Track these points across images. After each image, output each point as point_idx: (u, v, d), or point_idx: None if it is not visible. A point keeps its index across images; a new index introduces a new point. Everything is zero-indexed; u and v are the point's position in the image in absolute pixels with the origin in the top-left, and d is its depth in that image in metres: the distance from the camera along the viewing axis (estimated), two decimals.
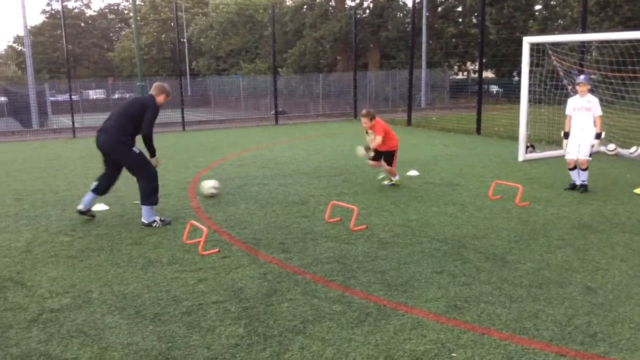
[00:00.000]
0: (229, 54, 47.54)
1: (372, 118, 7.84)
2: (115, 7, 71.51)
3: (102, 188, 6.49)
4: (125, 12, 69.81)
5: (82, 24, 65.11)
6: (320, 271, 4.69)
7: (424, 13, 30.15)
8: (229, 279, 4.57)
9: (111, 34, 69.70)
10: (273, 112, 22.96)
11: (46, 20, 64.18)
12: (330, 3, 38.53)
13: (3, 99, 43.60)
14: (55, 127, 22.49)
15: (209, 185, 7.70)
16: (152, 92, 6.40)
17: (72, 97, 19.68)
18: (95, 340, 3.52)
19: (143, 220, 6.26)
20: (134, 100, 6.60)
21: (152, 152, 6.46)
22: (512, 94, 24.22)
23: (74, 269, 4.87)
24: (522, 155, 10.45)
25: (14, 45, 71.52)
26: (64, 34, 19.07)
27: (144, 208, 6.24)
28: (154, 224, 6.19)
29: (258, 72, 41.41)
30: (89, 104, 37.43)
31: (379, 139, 7.78)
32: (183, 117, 19.73)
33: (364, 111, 7.97)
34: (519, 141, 10.59)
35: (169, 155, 12.40)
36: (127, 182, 7.12)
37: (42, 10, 64.87)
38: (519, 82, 11.17)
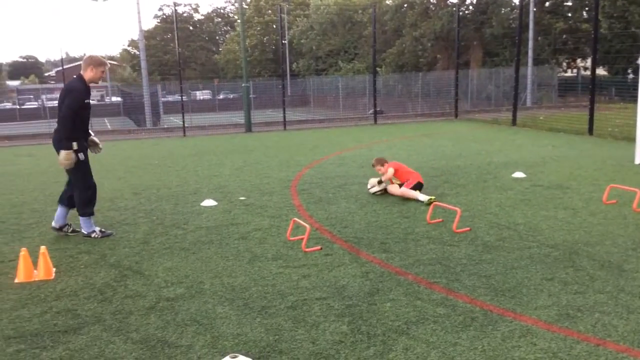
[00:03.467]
0: (328, 55, 48.10)
1: (382, 164, 7.75)
2: (222, 11, 74.53)
3: (64, 197, 6.01)
4: (231, 15, 72.60)
5: (191, 28, 68.44)
6: (422, 272, 4.64)
7: (531, 8, 28.92)
8: (331, 276, 4.65)
9: (217, 37, 72.68)
10: (371, 111, 22.97)
11: (158, 24, 68.05)
12: (431, 1, 37.92)
13: (119, 99, 46.79)
14: (166, 126, 23.80)
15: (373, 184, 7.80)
16: (81, 69, 5.74)
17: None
18: (208, 329, 3.71)
19: (82, 230, 5.96)
20: (63, 88, 5.87)
21: (66, 141, 5.58)
22: (626, 92, 22.69)
23: (186, 261, 5.15)
24: (639, 158, 9.76)
25: (129, 48, 76.54)
26: (176, 39, 20.15)
27: (81, 219, 5.91)
28: (93, 235, 5.88)
29: (356, 72, 41.57)
30: (196, 104, 39.29)
31: (387, 176, 7.61)
32: (284, 116, 20.22)
33: (373, 161, 7.93)
34: (635, 143, 9.89)
35: (271, 154, 12.78)
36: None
37: (155, 15, 68.90)
38: (634, 80, 10.43)
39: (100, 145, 6.23)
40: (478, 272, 4.60)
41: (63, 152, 5.61)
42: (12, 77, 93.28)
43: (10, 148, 16.53)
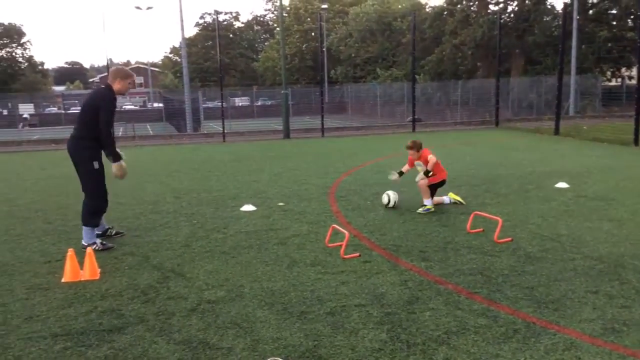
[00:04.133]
0: (366, 62, 48.16)
1: (418, 149, 7.38)
2: (262, 19, 75.41)
3: None
4: (270, 23, 73.39)
5: (231, 35, 69.45)
6: (462, 282, 4.60)
7: (575, 16, 28.34)
8: (370, 283, 4.64)
9: (256, 45, 73.54)
10: (409, 119, 22.85)
11: (199, 32, 69.28)
12: (472, 8, 37.56)
13: (160, 105, 47.76)
14: (206, 131, 24.17)
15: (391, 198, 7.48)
16: (108, 80, 5.76)
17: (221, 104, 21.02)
18: (248, 332, 3.75)
19: (83, 242, 5.78)
20: (90, 94, 5.96)
21: (114, 155, 5.68)
22: None
23: (227, 264, 5.22)
24: None
25: (170, 55, 78.12)
26: (218, 46, 20.47)
27: (84, 229, 5.75)
28: (94, 247, 5.63)
29: (394, 80, 41.46)
30: (235, 110, 39.80)
31: (431, 163, 7.21)
32: (322, 123, 20.29)
33: (409, 142, 7.48)
34: None
35: (309, 160, 12.85)
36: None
37: (196, 23, 70.12)
38: None
39: (123, 171, 5.96)
40: (520, 283, 4.53)
41: (114, 166, 5.73)
42: (58, 82, 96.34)
43: (56, 151, 17.04)
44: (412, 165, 7.59)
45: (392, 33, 45.80)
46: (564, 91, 21.39)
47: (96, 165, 5.67)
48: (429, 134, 19.98)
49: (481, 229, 6.15)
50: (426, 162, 7.27)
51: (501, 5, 36.49)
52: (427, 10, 43.28)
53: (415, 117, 21.95)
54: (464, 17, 36.71)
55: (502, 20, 23.09)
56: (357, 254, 5.40)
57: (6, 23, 68.91)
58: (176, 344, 3.62)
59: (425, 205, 7.21)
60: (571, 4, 28.37)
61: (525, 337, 3.59)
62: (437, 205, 7.44)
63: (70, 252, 4.96)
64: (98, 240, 5.79)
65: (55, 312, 4.19)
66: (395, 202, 7.42)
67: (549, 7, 35.25)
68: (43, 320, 4.05)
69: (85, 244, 5.69)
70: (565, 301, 4.15)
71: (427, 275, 4.78)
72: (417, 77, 34.07)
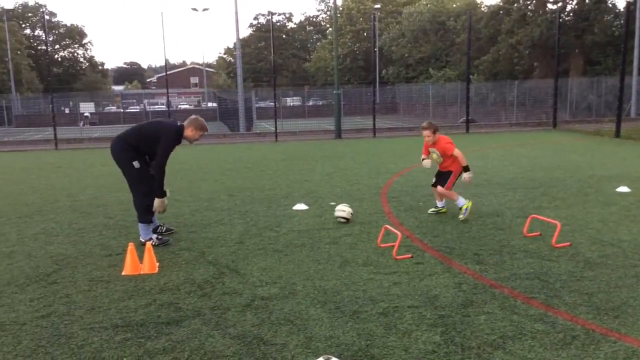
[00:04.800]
0: (418, 62, 47.64)
1: (435, 130, 6.81)
2: (314, 19, 75.75)
3: None
4: (323, 24, 73.62)
5: (284, 36, 70.05)
6: (519, 287, 4.50)
7: (638, 15, 27.25)
8: (422, 285, 4.61)
9: (308, 45, 73.95)
10: (462, 120, 22.50)
11: (253, 33, 70.22)
12: (529, 7, 36.62)
13: (214, 104, 48.66)
14: (258, 131, 24.49)
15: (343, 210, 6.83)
16: (185, 123, 5.97)
17: (273, 104, 21.25)
18: (301, 330, 3.79)
19: (140, 238, 5.96)
20: (162, 121, 6.12)
21: (159, 190, 5.85)
22: None
23: (280, 262, 5.29)
24: None
25: (224, 56, 79.48)
26: (272, 47, 20.71)
27: (140, 225, 5.95)
28: (151, 242, 5.71)
29: (447, 80, 40.87)
30: (286, 110, 40.12)
31: (457, 152, 6.77)
32: (374, 123, 20.22)
33: (425, 123, 6.91)
34: None
35: (361, 160, 12.84)
36: None
37: (250, 24, 71.15)
38: None
39: (164, 206, 6.03)
40: (579, 289, 4.40)
41: (157, 201, 5.86)
42: (117, 82, 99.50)
43: None
44: (427, 152, 7.02)
45: (446, 32, 45.16)
46: (625, 92, 20.61)
47: (136, 164, 5.80)
48: (483, 135, 19.63)
49: (538, 233, 6.00)
50: (442, 150, 6.78)
51: (560, 4, 35.40)
52: (483, 9, 42.46)
53: (469, 117, 21.59)
54: (520, 16, 35.80)
55: (560, 20, 22.44)
56: (410, 255, 5.37)
57: (69, 24, 71.82)
58: (231, 338, 3.70)
59: (461, 207, 6.77)
60: (634, 3, 27.27)
61: (584, 344, 3.49)
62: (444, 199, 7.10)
63: (131, 246, 5.13)
64: (154, 236, 5.96)
65: (116, 304, 4.34)
66: (350, 215, 6.76)
67: (610, 5, 33.98)
68: (104, 311, 4.21)
69: (143, 240, 5.86)
70: (626, 308, 4.01)
71: (481, 279, 4.71)
72: (471, 77, 33.50)
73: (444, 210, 7.16)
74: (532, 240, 5.79)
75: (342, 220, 6.75)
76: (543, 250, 5.44)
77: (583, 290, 4.39)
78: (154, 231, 6.25)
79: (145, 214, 5.88)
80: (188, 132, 5.91)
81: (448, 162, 6.89)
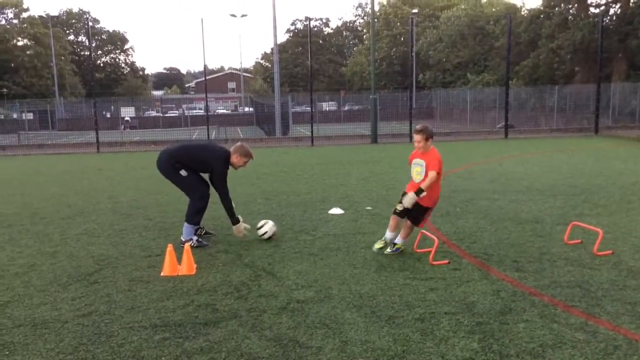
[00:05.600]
0: (456, 67, 47.17)
1: (428, 137, 5.44)
2: (351, 24, 75.87)
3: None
4: (360, 29, 73.66)
5: (320, 41, 70.35)
6: (559, 295, 4.40)
7: None
8: (460, 291, 4.55)
9: (345, 50, 74.07)
10: (500, 125, 22.17)
11: (290, 38, 70.74)
12: (570, 11, 35.86)
13: (251, 109, 49.18)
14: (294, 135, 24.62)
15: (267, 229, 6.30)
16: (231, 149, 6.17)
17: (309, 108, 21.34)
18: (337, 333, 3.79)
19: (182, 237, 6.09)
20: (209, 146, 6.46)
21: (231, 218, 6.08)
22: None
23: (315, 265, 5.30)
24: None
25: (261, 61, 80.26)
26: (309, 53, 20.84)
27: (185, 225, 6.08)
28: (190, 243, 5.82)
29: (485, 85, 40.33)
30: (322, 115, 40.24)
31: (432, 174, 5.30)
32: (411, 128, 20.10)
33: (418, 126, 5.60)
34: None
35: (397, 165, 12.78)
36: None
37: (287, 30, 71.66)
38: None
39: (242, 232, 6.20)
40: (622, 299, 4.28)
41: (234, 228, 6.11)
42: (157, 87, 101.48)
43: (156, 152, 17.90)
44: (411, 161, 5.63)
45: (484, 37, 44.60)
46: None
47: (183, 173, 6.01)
48: (522, 140, 19.31)
49: (579, 241, 5.86)
50: (429, 164, 5.37)
51: (603, 8, 34.56)
52: (523, 13, 41.76)
53: (508, 123, 21.27)
54: (562, 20, 35.07)
55: (603, 23, 21.93)
56: (446, 261, 5.31)
57: (111, 31, 73.60)
58: (267, 340, 3.72)
59: (396, 244, 5.60)
60: None
61: (626, 355, 3.39)
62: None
63: (170, 248, 5.22)
64: (194, 237, 6.07)
65: (155, 304, 4.42)
66: (272, 233, 6.25)
67: None
68: (144, 311, 4.29)
69: (184, 240, 5.99)
70: None
71: (520, 286, 4.63)
72: (510, 82, 32.99)
73: (401, 248, 5.65)
74: (573, 248, 5.66)
75: (267, 237, 6.23)
76: (584, 258, 5.31)
77: (626, 299, 4.27)
78: (195, 232, 6.33)
79: (195, 215, 6.05)
80: (234, 158, 6.11)
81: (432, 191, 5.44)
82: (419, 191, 5.33)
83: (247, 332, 3.86)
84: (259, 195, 9.13)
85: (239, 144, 6.28)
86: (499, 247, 5.80)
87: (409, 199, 5.37)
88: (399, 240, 5.62)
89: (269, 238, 6.23)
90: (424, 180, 5.35)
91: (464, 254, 5.57)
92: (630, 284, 4.59)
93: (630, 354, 3.41)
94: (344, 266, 5.26)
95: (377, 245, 5.64)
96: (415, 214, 5.51)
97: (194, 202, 6.06)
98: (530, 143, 18.09)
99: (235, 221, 6.09)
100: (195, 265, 5.24)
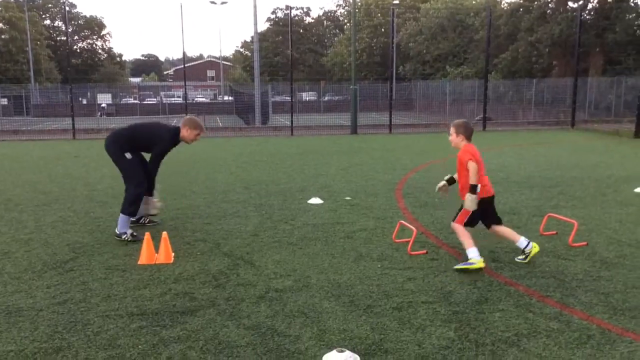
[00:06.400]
0: (435, 59, 47.36)
1: (459, 132, 5.05)
2: (332, 14, 75.58)
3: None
4: (341, 19, 73.42)
5: (301, 31, 69.97)
6: (534, 285, 4.47)
7: None
8: (437, 281, 4.59)
9: (325, 40, 73.83)
10: (479, 117, 22.36)
11: (270, 27, 70.23)
12: (549, 5, 36.20)
13: (230, 98, 48.84)
14: (274, 125, 24.53)
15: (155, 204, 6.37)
16: (180, 124, 6.04)
17: (288, 98, 21.27)
18: (315, 322, 3.80)
19: (116, 230, 5.89)
20: (160, 123, 6.37)
21: (149, 190, 6.04)
22: None
23: (294, 255, 5.30)
24: None
25: (241, 50, 79.62)
26: (290, 42, 20.72)
27: (120, 217, 5.84)
28: (124, 237, 5.74)
29: (464, 77, 40.61)
30: (302, 105, 40.09)
31: (471, 164, 4.77)
32: (390, 120, 20.16)
33: (455, 121, 5.22)
34: None
35: (377, 156, 12.81)
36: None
37: (267, 18, 71.13)
38: None
39: (156, 207, 6.28)
40: (595, 289, 4.36)
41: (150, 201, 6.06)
42: (134, 74, 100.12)
43: None
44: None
45: (464, 30, 44.83)
46: None
47: (128, 155, 5.89)
48: (500, 133, 19.50)
49: (555, 232, 5.96)
50: (459, 158, 4.99)
51: (581, 2, 34.94)
52: (502, 6, 42.06)
53: (486, 115, 21.45)
54: (541, 13, 35.42)
55: (581, 18, 22.18)
56: (425, 251, 5.35)
57: (88, 16, 72.36)
58: (245, 329, 3.72)
59: (469, 259, 4.81)
60: None
61: (599, 344, 3.46)
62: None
63: (147, 236, 5.17)
64: (129, 231, 5.82)
65: (132, 293, 4.38)
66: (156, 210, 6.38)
67: (632, 4, 33.47)
68: (120, 299, 4.25)
69: (118, 232, 5.81)
70: None
71: (497, 276, 4.69)
72: (489, 75, 33.19)
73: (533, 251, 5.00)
74: (549, 239, 5.75)
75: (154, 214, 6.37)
76: (559, 250, 5.39)
77: (599, 290, 4.35)
78: (137, 222, 6.28)
79: (130, 205, 5.85)
80: (184, 132, 5.97)
81: (462, 180, 4.99)
82: (472, 189, 4.78)
83: (225, 320, 3.84)
84: (238, 184, 9.09)
85: (188, 116, 6.13)
86: (476, 237, 5.84)
87: (469, 202, 4.81)
88: (522, 244, 4.98)
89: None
90: (467, 176, 4.82)
91: (441, 244, 5.63)
92: (603, 275, 4.68)
93: (603, 343, 3.48)
94: (323, 256, 5.27)
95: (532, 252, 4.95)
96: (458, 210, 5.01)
97: (130, 190, 5.88)
98: (507, 135, 18.28)
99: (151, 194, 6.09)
100: (172, 254, 5.20)
